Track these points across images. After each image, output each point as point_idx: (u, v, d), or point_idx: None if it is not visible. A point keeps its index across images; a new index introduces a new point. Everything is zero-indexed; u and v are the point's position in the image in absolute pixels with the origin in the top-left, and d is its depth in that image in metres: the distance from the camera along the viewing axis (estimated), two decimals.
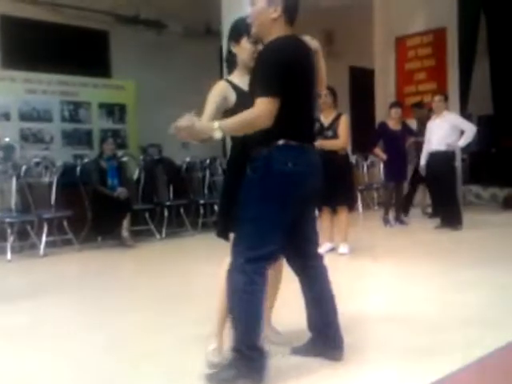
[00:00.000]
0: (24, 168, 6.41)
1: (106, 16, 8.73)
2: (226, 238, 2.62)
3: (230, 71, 2.69)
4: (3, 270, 5.56)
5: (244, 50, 2.58)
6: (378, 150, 7.34)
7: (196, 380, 2.44)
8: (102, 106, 8.57)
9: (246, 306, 2.34)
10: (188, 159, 7.97)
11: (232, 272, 2.36)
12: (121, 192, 6.49)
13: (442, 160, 6.74)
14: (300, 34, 2.51)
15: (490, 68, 10.76)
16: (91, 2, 8.35)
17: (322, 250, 5.50)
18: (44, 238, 6.00)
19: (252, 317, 2.34)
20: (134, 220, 6.71)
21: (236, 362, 2.35)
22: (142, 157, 7.98)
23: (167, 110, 8.89)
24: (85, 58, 8.44)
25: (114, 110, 8.68)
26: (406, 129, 7.56)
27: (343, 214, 5.50)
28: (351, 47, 10.70)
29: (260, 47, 2.49)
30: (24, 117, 7.78)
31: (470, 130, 6.80)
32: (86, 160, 7.23)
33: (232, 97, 2.55)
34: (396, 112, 7.30)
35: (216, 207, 7.70)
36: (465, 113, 9.08)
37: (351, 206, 5.71)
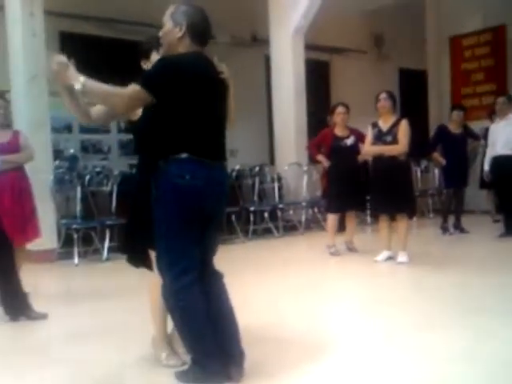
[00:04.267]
0: (87, 177, 6.71)
1: (156, 30, 8.84)
2: (135, 264, 2.71)
3: None
4: (71, 273, 5.83)
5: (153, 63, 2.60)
6: (437, 155, 7.11)
7: None
8: None
9: (183, 323, 2.42)
10: (237, 167, 8.00)
11: (163, 293, 2.44)
12: None
13: (507, 165, 6.45)
14: (211, 56, 2.55)
15: None
16: (143, 17, 8.49)
17: (379, 258, 5.46)
18: (106, 244, 6.22)
19: (192, 331, 2.40)
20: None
21: (193, 369, 2.45)
22: None
23: None
24: (139, 71, 8.59)
25: None
26: (467, 132, 7.29)
27: (403, 222, 5.34)
28: (401, 49, 10.49)
29: None
30: (84, 129, 7.99)
31: None
32: None
33: (138, 111, 2.60)
34: (458, 115, 7.06)
35: (266, 214, 7.78)
36: None
37: (412, 214, 5.52)
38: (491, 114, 7.37)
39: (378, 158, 5.37)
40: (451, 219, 7.16)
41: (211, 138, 2.46)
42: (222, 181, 2.49)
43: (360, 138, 5.90)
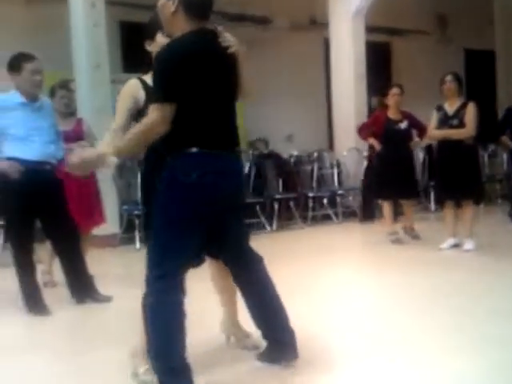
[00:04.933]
0: None
1: (213, 15, 8.86)
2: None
3: (147, 71, 2.49)
4: (133, 257, 5.85)
5: (159, 45, 2.40)
6: (506, 139, 6.77)
7: None
8: None
9: (156, 328, 2.20)
10: (296, 153, 7.94)
11: (145, 292, 2.25)
12: None
13: None
14: (218, 27, 2.30)
15: None
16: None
17: (444, 245, 5.27)
18: None
19: (163, 339, 2.17)
20: (245, 213, 6.81)
21: None
22: (250, 151, 8.05)
23: (272, 104, 9.09)
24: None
25: None
26: None
27: (469, 209, 5.13)
28: (466, 29, 10.02)
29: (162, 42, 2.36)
30: None
31: None
32: None
33: (141, 96, 2.45)
34: None
35: (325, 200, 7.71)
36: None
37: (479, 200, 5.30)
38: None
39: (444, 143, 5.18)
40: None
41: (218, 125, 2.24)
42: (234, 172, 2.31)
43: (413, 122, 5.72)
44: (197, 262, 2.49)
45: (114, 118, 2.55)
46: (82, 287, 3.90)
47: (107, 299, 3.89)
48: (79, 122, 4.54)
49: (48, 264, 4.41)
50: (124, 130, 2.41)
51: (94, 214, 4.44)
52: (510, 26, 9.42)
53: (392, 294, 3.84)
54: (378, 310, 3.47)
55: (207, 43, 2.23)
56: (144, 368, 2.44)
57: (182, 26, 2.21)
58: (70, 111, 4.42)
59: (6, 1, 7.06)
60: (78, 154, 2.22)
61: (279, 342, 2.45)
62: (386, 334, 2.93)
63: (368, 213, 7.36)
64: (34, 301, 3.68)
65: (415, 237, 5.87)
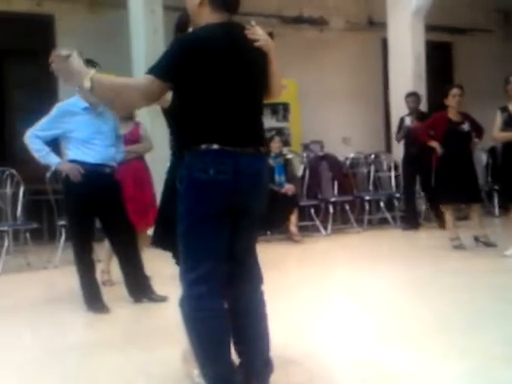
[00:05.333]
0: None
1: (272, 18, 8.86)
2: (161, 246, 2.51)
3: None
4: None
5: None
6: None
7: None
8: (266, 105, 8.71)
9: (198, 336, 2.07)
10: (352, 155, 7.84)
11: (181, 298, 2.10)
12: (288, 188, 6.57)
13: None
14: (248, 21, 2.14)
15: None
16: (259, 5, 8.54)
17: (509, 252, 5.00)
18: None
19: (206, 347, 2.06)
20: (300, 215, 6.80)
21: None
22: (305, 154, 8.00)
23: (328, 106, 9.01)
24: None
25: (278, 109, 8.79)
26: None
27: None
28: None
29: None
30: None
31: None
32: None
33: (167, 97, 2.28)
34: None
35: (382, 204, 7.54)
36: None
37: None
38: None
39: (509, 145, 5.01)
40: None
41: (239, 123, 2.10)
42: (254, 171, 2.12)
43: (472, 124, 5.51)
44: None
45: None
46: (139, 287, 3.98)
47: (163, 299, 3.94)
48: (136, 125, 4.69)
49: (107, 263, 4.55)
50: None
51: (149, 214, 4.48)
52: None
53: (441, 301, 3.71)
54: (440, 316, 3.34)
55: (229, 35, 2.11)
56: (197, 371, 2.36)
57: (207, 17, 2.11)
58: (128, 115, 4.53)
59: (70, 8, 7.37)
60: (72, 54, 2.12)
61: (250, 366, 2.21)
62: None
63: (412, 220, 7.13)
64: (93, 299, 3.80)
65: (488, 244, 5.46)
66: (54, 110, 3.86)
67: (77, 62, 2.09)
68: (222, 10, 2.11)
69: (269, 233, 6.73)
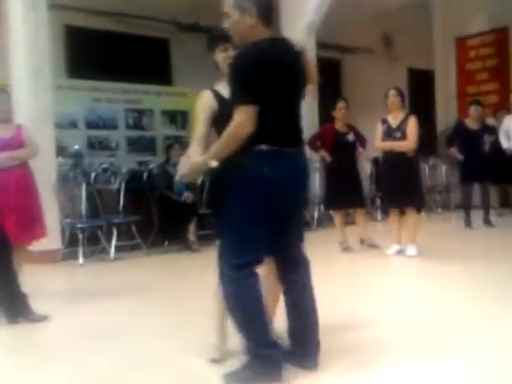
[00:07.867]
0: (93, 175, 6.55)
1: (166, 24, 8.84)
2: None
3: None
4: (75, 273, 5.67)
5: (219, 59, 2.63)
6: (454, 150, 7.14)
7: None
8: (164, 113, 8.69)
9: (242, 311, 2.35)
10: None
11: (222, 280, 2.39)
12: (187, 196, 6.56)
13: None
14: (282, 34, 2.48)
15: None
16: (153, 11, 8.51)
17: (390, 251, 5.49)
18: (113, 243, 6.09)
19: (251, 319, 2.34)
20: (199, 224, 6.72)
21: (250, 364, 2.35)
22: None
23: None
24: (147, 66, 8.50)
25: (177, 117, 8.82)
26: (485, 128, 7.29)
27: (412, 216, 5.41)
28: (409, 49, 10.53)
29: (231, 53, 2.53)
30: (90, 125, 7.95)
31: None
32: (151, 166, 7.35)
33: (214, 105, 2.60)
34: (476, 110, 7.09)
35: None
36: None
37: (420, 208, 5.59)
38: (495, 111, 7.47)
39: (388, 154, 5.48)
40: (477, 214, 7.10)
41: (287, 124, 2.38)
42: (301, 169, 2.42)
43: (356, 134, 5.99)
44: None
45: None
46: (14, 306, 3.57)
47: (42, 319, 3.58)
48: (19, 129, 4.26)
49: None
50: (205, 138, 2.58)
51: (35, 226, 4.15)
52: (447, 48, 10.00)
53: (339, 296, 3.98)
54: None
55: (280, 48, 2.37)
56: (212, 343, 2.67)
57: (258, 35, 2.33)
58: (7, 118, 4.19)
59: None
60: (187, 163, 2.40)
61: (303, 347, 2.49)
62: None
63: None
64: None
65: (372, 245, 5.92)
66: None
67: (193, 164, 2.40)
68: (268, 26, 2.36)
69: (166, 243, 6.69)
